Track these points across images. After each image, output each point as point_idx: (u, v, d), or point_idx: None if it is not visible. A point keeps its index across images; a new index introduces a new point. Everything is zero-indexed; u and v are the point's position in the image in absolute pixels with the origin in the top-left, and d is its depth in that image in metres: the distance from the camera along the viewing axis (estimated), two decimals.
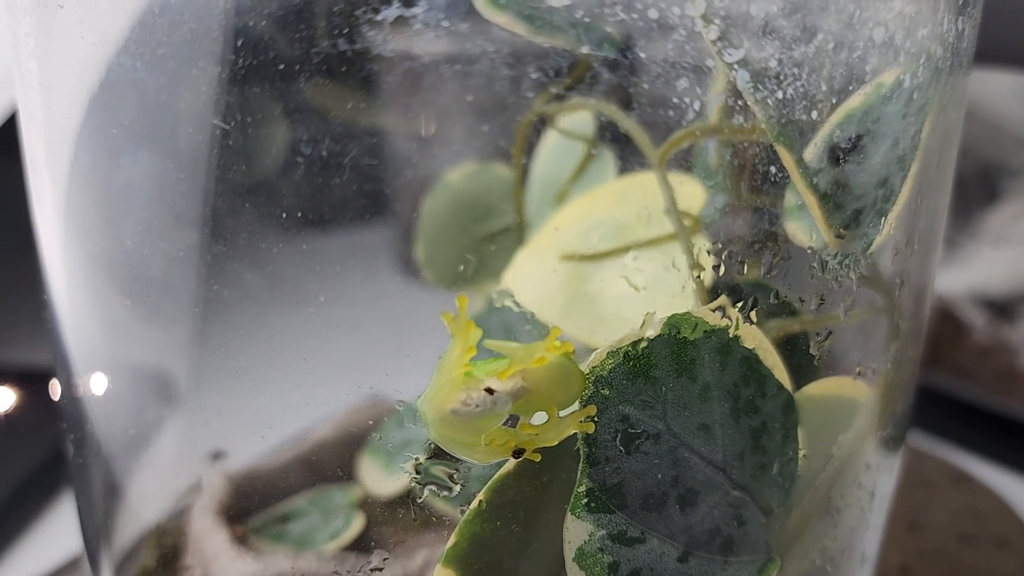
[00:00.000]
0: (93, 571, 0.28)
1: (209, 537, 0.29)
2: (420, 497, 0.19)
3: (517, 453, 0.17)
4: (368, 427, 0.33)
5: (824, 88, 0.20)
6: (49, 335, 0.25)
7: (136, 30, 0.20)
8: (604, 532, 0.18)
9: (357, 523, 0.30)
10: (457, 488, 0.19)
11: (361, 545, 0.29)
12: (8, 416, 0.49)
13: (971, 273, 0.51)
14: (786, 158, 0.21)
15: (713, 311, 0.19)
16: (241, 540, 0.29)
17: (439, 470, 0.19)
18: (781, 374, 0.20)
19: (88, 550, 0.28)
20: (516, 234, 0.34)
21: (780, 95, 0.20)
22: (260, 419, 0.30)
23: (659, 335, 0.18)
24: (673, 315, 0.18)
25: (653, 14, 0.20)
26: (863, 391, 0.22)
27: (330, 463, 0.33)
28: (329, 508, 0.31)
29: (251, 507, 0.31)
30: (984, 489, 0.44)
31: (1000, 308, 0.50)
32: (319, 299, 0.31)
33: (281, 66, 0.24)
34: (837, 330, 0.23)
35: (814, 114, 0.20)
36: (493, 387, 0.17)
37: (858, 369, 0.22)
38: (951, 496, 0.43)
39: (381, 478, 0.32)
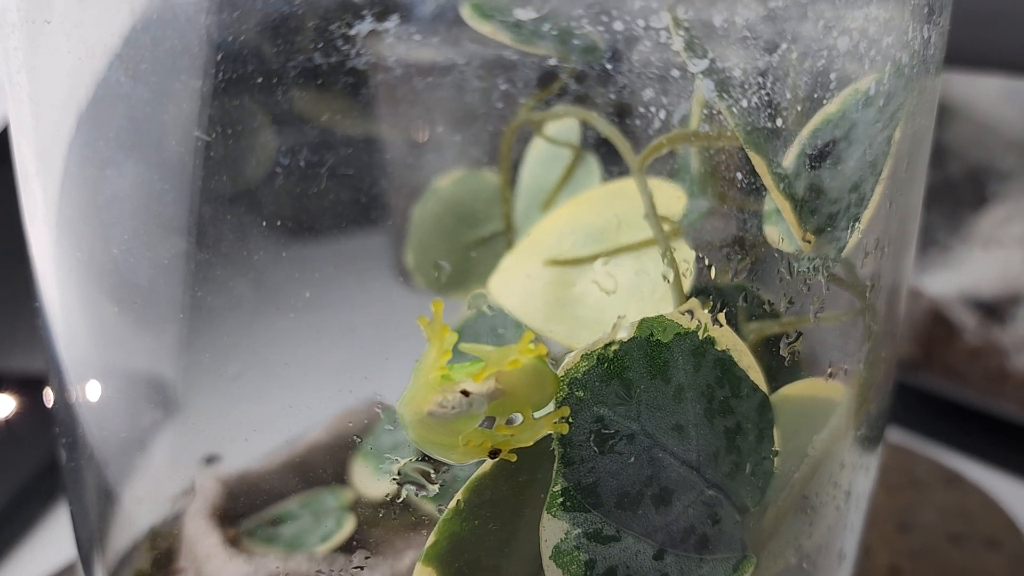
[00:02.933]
0: (87, 575, 0.28)
1: (202, 539, 0.29)
2: (400, 497, 0.20)
3: (493, 453, 0.18)
4: (359, 431, 0.34)
5: (789, 96, 0.20)
6: (41, 342, 0.26)
7: (122, 45, 0.21)
8: (580, 530, 0.18)
9: (348, 525, 0.30)
10: (435, 488, 0.19)
11: (351, 547, 0.29)
12: (8, 422, 0.49)
13: (962, 275, 0.51)
14: (758, 163, 0.21)
15: (683, 314, 0.19)
16: (233, 542, 0.29)
17: (416, 470, 0.19)
18: (756, 375, 0.21)
19: (81, 555, 0.28)
20: (504, 239, 0.34)
21: (745, 103, 0.20)
22: (252, 423, 0.31)
23: (632, 338, 0.19)
24: (646, 318, 0.19)
25: (619, 26, 0.20)
26: (839, 391, 0.22)
27: (322, 466, 0.33)
28: (320, 511, 0.31)
29: (243, 510, 0.31)
30: (975, 489, 0.44)
31: (991, 310, 0.50)
32: (309, 305, 0.32)
33: (261, 78, 0.25)
34: (812, 332, 0.23)
35: (779, 121, 0.21)
36: (469, 389, 0.17)
37: (830, 370, 0.22)
38: (942, 496, 0.44)
39: (372, 481, 0.32)
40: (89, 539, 0.28)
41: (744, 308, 0.25)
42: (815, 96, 0.21)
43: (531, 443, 0.18)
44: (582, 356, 0.18)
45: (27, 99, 0.21)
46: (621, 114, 0.28)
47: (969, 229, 0.52)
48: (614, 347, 0.18)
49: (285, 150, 0.27)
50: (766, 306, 0.24)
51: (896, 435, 0.50)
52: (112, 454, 0.28)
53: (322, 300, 0.32)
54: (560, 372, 0.18)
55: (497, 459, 0.18)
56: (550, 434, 0.18)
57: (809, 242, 0.21)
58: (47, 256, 0.24)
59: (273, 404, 0.28)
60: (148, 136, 0.23)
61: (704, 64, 0.19)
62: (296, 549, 0.29)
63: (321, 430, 0.34)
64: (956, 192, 0.51)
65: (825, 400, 0.23)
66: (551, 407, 0.18)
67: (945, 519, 0.42)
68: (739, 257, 0.22)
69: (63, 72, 0.21)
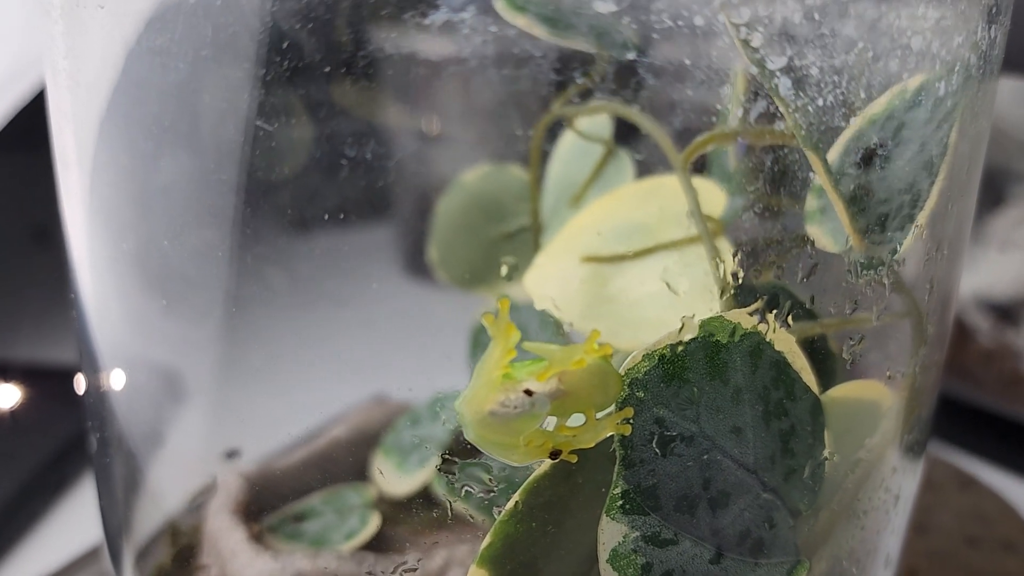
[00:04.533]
0: (114, 565, 0.28)
1: (226, 536, 0.29)
2: (456, 499, 0.19)
3: (554, 454, 0.17)
4: (381, 426, 0.33)
5: (863, 95, 0.20)
6: (76, 331, 0.25)
7: (166, 30, 0.20)
8: (638, 534, 0.18)
9: (373, 522, 0.30)
10: (495, 490, 0.19)
11: (378, 545, 0.29)
12: (14, 413, 0.49)
13: (977, 277, 0.51)
14: (816, 163, 0.21)
15: (750, 315, 0.19)
16: (257, 539, 0.29)
17: (476, 473, 0.19)
18: (808, 377, 0.20)
19: (109, 544, 0.28)
20: (530, 235, 0.34)
21: (820, 102, 0.20)
22: (273, 417, 0.30)
23: (693, 338, 0.18)
24: (708, 319, 0.19)
25: (697, 20, 0.20)
26: (887, 395, 0.22)
27: (343, 462, 0.33)
28: (343, 507, 0.31)
29: (266, 506, 0.31)
30: (990, 493, 0.44)
31: (1005, 312, 0.50)
32: (333, 299, 0.31)
33: (305, 68, 0.24)
34: (866, 334, 0.23)
35: (846, 120, 0.21)
36: (531, 388, 0.17)
37: (888, 374, 0.22)
38: (958, 499, 0.43)
39: (395, 477, 0.32)
40: (118, 529, 0.28)
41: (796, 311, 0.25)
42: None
43: (593, 444, 0.17)
44: (643, 356, 0.18)
45: (69, 86, 0.21)
46: (656, 111, 0.28)
47: (984, 231, 0.51)
48: (679, 348, 0.18)
49: (327, 142, 0.26)
50: (821, 308, 0.24)
51: None
52: (141, 445, 0.27)
53: (346, 294, 0.31)
54: (621, 372, 0.18)
55: (557, 460, 0.17)
56: (610, 435, 0.18)
57: (857, 242, 0.20)
58: (84, 244, 0.23)
59: (296, 398, 0.28)
60: (192, 123, 0.22)
61: (783, 61, 0.19)
62: (321, 546, 0.29)
63: (342, 425, 0.34)
64: None
65: (873, 403, 0.22)
66: (613, 408, 0.18)
67: (961, 522, 0.42)
68: (797, 258, 0.22)
69: (107, 58, 0.20)
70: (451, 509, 0.22)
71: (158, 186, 0.24)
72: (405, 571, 0.26)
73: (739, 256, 0.23)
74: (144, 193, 0.24)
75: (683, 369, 0.18)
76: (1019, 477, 0.47)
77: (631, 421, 0.18)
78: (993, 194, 0.51)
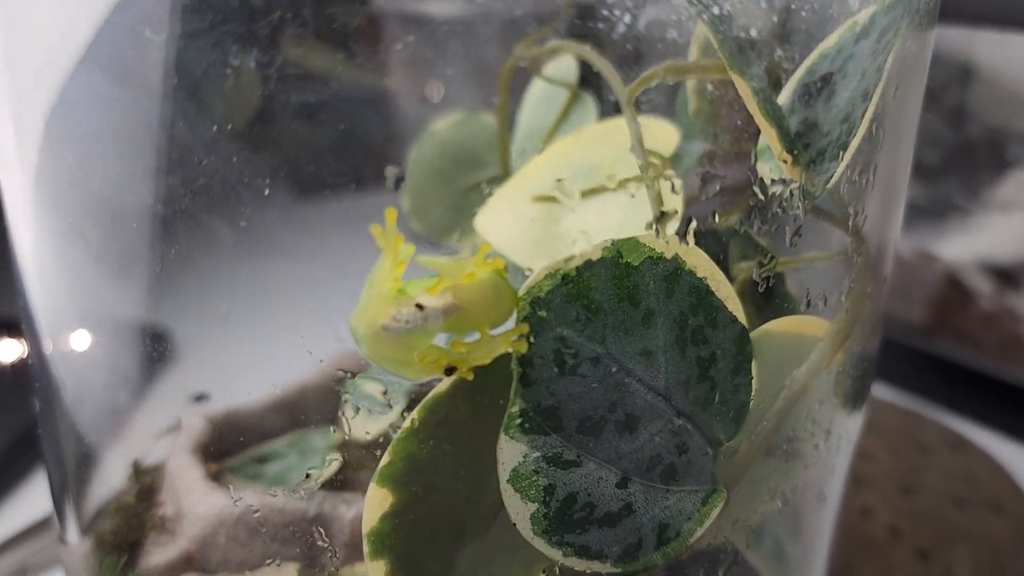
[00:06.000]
0: (60, 522, 0.28)
1: (183, 474, 0.29)
2: (352, 416, 0.19)
3: (449, 371, 0.17)
4: (350, 373, 0.33)
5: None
6: (15, 291, 0.25)
7: None
8: (539, 454, 0.18)
9: (334, 464, 0.30)
10: (393, 409, 0.19)
11: (335, 487, 0.29)
12: (14, 367, 0.49)
13: (979, 240, 0.50)
14: (742, 87, 0.20)
15: (649, 229, 0.18)
16: (215, 478, 0.29)
17: (372, 388, 0.19)
18: (735, 306, 0.20)
19: (56, 505, 0.28)
20: (502, 183, 0.33)
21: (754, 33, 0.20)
22: (242, 363, 0.30)
23: (600, 258, 0.18)
24: (614, 239, 0.18)
25: None
26: (822, 329, 0.22)
27: (311, 408, 0.33)
28: (307, 450, 0.31)
29: (229, 448, 0.31)
30: (981, 455, 0.43)
31: (1007, 275, 0.49)
32: (303, 249, 0.31)
33: (259, 17, 0.24)
34: (800, 270, 0.23)
35: (753, 32, 0.20)
36: (424, 303, 0.16)
37: (808, 298, 0.21)
38: (948, 461, 0.43)
39: (361, 423, 0.32)
40: (63, 487, 0.28)
41: (735, 250, 0.24)
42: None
43: (488, 361, 0.17)
44: (546, 275, 0.18)
45: (3, 52, 0.21)
46: (620, 54, 0.28)
47: (988, 193, 0.50)
48: (575, 262, 0.18)
49: (276, 94, 0.26)
50: (755, 247, 0.23)
51: (905, 399, 0.49)
52: (89, 401, 0.28)
53: (316, 245, 0.31)
54: (522, 291, 0.18)
55: (454, 377, 0.17)
56: (508, 354, 0.18)
57: (787, 163, 0.20)
58: (21, 202, 0.23)
59: (266, 344, 0.28)
60: (132, 71, 0.22)
61: None
62: (279, 486, 0.29)
63: (313, 372, 0.34)
64: (975, 155, 0.50)
65: (809, 338, 0.22)
66: (510, 324, 0.18)
67: (949, 483, 0.41)
68: (728, 199, 0.21)
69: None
70: None
71: (105, 132, 0.24)
72: (352, 511, 0.26)
73: (687, 192, 0.23)
74: (90, 141, 0.24)
75: (588, 288, 0.18)
76: (1015, 440, 0.46)
77: (530, 339, 0.18)
78: (996, 156, 0.50)
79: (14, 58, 0.21)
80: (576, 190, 0.26)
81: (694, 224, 0.19)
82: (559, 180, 0.27)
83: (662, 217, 0.19)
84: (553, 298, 0.18)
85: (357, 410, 0.31)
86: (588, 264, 0.18)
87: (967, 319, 0.50)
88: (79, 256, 0.25)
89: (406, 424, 0.18)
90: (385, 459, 0.18)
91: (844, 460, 0.24)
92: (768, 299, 0.22)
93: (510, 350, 0.17)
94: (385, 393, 0.19)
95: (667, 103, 0.28)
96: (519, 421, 0.18)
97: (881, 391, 0.51)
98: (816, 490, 0.23)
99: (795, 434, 0.21)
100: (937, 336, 0.50)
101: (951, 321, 0.50)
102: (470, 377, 0.17)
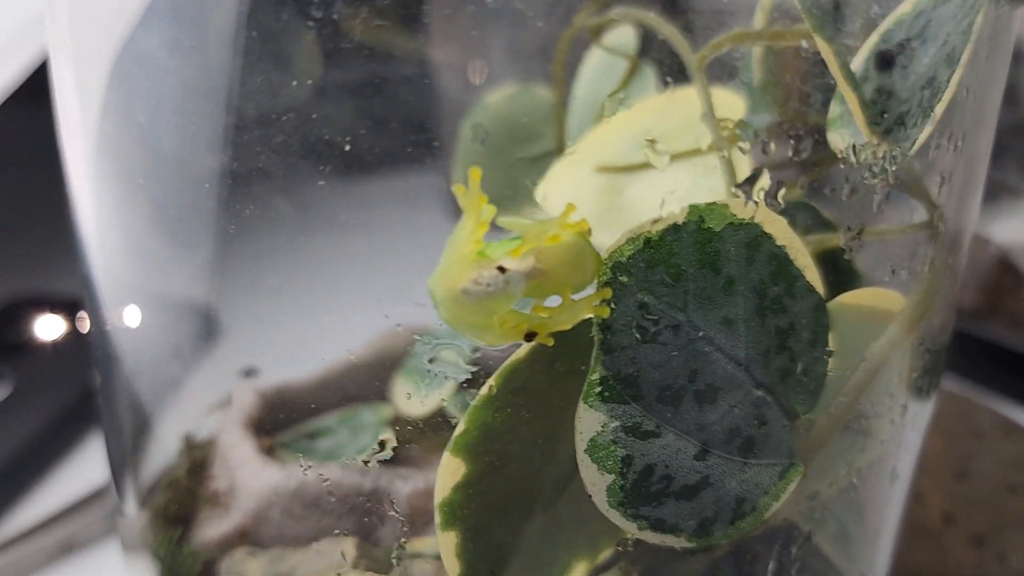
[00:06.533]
0: (119, 494, 0.28)
1: (236, 448, 0.29)
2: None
3: (530, 336, 0.17)
4: (402, 349, 0.33)
5: None
6: (77, 266, 0.25)
7: None
8: (618, 423, 0.17)
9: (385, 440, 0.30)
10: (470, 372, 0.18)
11: (388, 462, 0.29)
12: (56, 345, 0.49)
13: None
14: (827, 53, 0.20)
15: (735, 195, 0.18)
16: (268, 453, 0.29)
17: (450, 354, 0.18)
18: (813, 276, 0.19)
19: (114, 476, 0.28)
20: (557, 157, 0.33)
21: None
22: (293, 338, 0.30)
23: (683, 223, 0.18)
24: (696, 204, 0.18)
25: None
26: (899, 303, 0.21)
27: (362, 383, 0.33)
28: (358, 426, 0.31)
29: (280, 423, 0.31)
30: None
31: None
32: (356, 226, 0.31)
33: None
34: (878, 243, 0.22)
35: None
36: (506, 266, 0.16)
37: (891, 267, 0.21)
38: (1001, 446, 0.42)
39: (413, 399, 0.31)
40: (121, 459, 0.28)
41: (807, 221, 0.24)
42: None
43: (569, 326, 0.17)
44: (628, 239, 0.17)
45: (67, 13, 0.21)
46: (686, 22, 0.27)
47: None
48: (659, 226, 0.17)
49: (343, 66, 0.26)
50: (823, 220, 0.23)
51: (957, 385, 0.48)
52: (148, 372, 0.27)
53: (370, 222, 0.31)
54: (604, 255, 0.17)
55: (533, 343, 0.17)
56: (592, 323, 0.17)
57: (876, 139, 0.19)
58: (84, 177, 0.23)
59: (317, 320, 0.28)
60: (200, 43, 0.22)
61: None
62: (331, 462, 0.29)
63: (363, 348, 0.34)
64: None
65: (885, 312, 0.21)
66: (592, 289, 0.17)
67: (1003, 469, 0.41)
68: (797, 169, 0.21)
69: None
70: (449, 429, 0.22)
71: (177, 89, 0.24)
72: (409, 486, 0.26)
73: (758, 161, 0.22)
74: (150, 116, 0.24)
75: (670, 254, 0.17)
76: None
77: (612, 304, 0.17)
78: None
79: (78, 15, 0.21)
80: (666, 154, 0.26)
81: (783, 189, 0.18)
82: (650, 141, 0.26)
83: (751, 179, 0.19)
84: (635, 263, 0.17)
85: (420, 381, 0.30)
86: (672, 228, 0.17)
87: (1020, 303, 0.49)
88: (140, 226, 0.25)
89: (483, 391, 0.17)
90: (460, 427, 0.17)
91: (918, 437, 0.23)
92: (840, 271, 0.22)
93: (591, 315, 0.17)
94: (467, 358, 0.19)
95: (730, 70, 0.28)
96: (599, 389, 0.17)
97: None
98: (890, 466, 0.23)
99: (872, 409, 0.21)
100: (989, 320, 0.49)
101: (1004, 305, 0.49)
102: (550, 343, 0.17)
